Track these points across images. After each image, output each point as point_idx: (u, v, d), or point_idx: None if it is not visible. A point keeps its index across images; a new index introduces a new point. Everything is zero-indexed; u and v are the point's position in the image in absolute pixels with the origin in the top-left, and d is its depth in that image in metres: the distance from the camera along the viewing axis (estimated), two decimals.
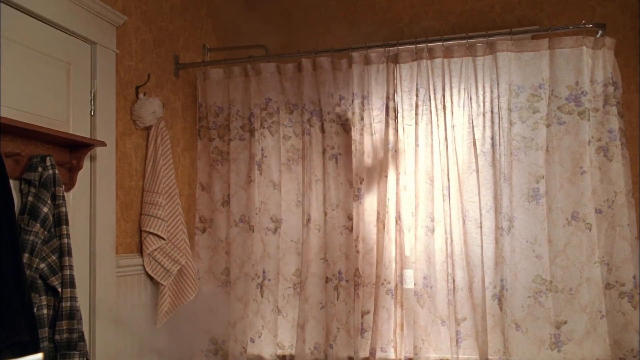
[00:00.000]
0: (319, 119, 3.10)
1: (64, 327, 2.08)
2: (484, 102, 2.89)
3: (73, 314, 2.10)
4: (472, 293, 2.83)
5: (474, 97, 2.90)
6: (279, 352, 3.10)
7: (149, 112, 2.83)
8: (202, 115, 3.31)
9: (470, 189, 2.88)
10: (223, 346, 3.13)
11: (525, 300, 2.77)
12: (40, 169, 2.08)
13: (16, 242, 1.86)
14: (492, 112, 2.87)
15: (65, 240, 2.11)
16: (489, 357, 2.77)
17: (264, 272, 3.12)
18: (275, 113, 3.18)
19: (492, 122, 2.87)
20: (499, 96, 2.86)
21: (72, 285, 2.11)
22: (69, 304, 2.10)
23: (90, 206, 2.51)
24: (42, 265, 2.04)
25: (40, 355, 1.01)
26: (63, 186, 2.17)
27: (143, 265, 2.81)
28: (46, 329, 2.03)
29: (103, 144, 2.46)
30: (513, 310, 2.76)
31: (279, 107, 3.18)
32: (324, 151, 3.08)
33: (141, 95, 2.85)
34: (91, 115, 2.54)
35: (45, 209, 2.05)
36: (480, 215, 2.84)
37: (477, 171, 2.86)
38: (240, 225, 3.14)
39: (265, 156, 3.17)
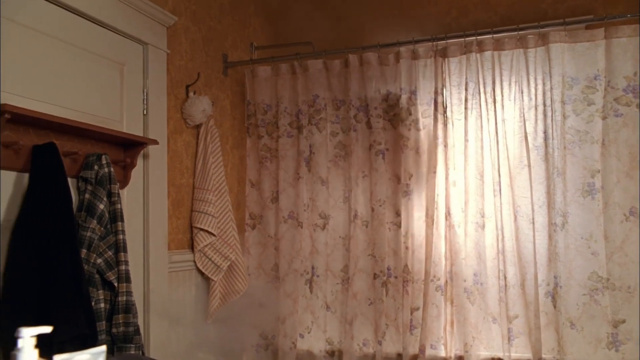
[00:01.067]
0: (365, 114, 3.09)
1: (121, 321, 2.14)
2: (535, 95, 2.82)
3: (129, 308, 2.16)
4: (525, 290, 2.77)
5: (525, 90, 2.84)
6: (328, 347, 3.11)
7: (199, 110, 2.88)
8: (250, 112, 3.34)
9: (522, 184, 2.81)
10: (273, 341, 3.17)
11: (581, 298, 2.70)
12: (96, 167, 2.14)
13: (75, 238, 1.93)
14: (544, 105, 2.80)
15: (121, 237, 2.17)
16: (543, 355, 2.71)
17: (312, 268, 3.13)
18: (323, 110, 3.18)
19: (545, 115, 2.79)
20: (551, 88, 2.78)
21: (128, 280, 2.17)
22: (125, 298, 2.15)
23: (143, 203, 2.57)
24: (99, 261, 2.10)
25: (104, 347, 1.04)
26: (118, 184, 2.23)
27: (194, 261, 2.86)
28: (104, 322, 2.09)
29: (156, 142, 2.52)
30: (567, 308, 2.69)
31: (327, 103, 3.18)
32: (370, 147, 3.07)
33: (191, 94, 2.91)
34: (144, 115, 2.61)
35: (102, 206, 2.11)
36: (533, 210, 2.78)
37: (529, 166, 2.80)
38: (289, 221, 3.17)
39: (313, 153, 3.18)
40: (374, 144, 3.06)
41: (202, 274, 2.90)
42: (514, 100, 2.86)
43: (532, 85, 2.83)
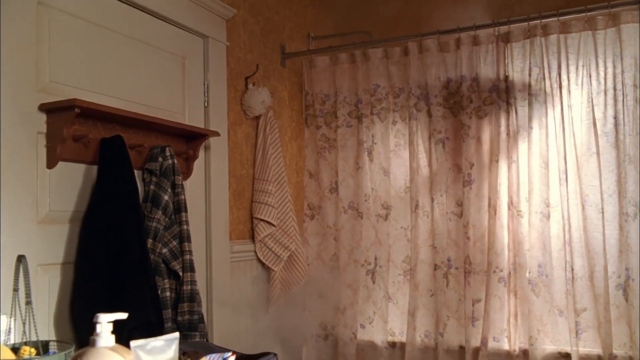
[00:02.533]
0: (425, 103, 3.04)
1: (185, 309, 2.19)
2: (605, 79, 2.70)
3: (193, 297, 2.20)
4: (593, 282, 2.67)
5: (593, 74, 2.72)
6: (390, 339, 3.09)
7: (258, 101, 2.90)
8: (308, 103, 3.35)
9: (590, 172, 2.71)
10: (333, 331, 3.17)
11: None
12: (160, 159, 2.19)
13: (141, 228, 1.98)
14: (614, 89, 2.68)
15: (185, 227, 2.21)
16: (614, 350, 2.61)
17: (375, 258, 3.12)
18: (384, 99, 3.15)
19: (615, 100, 2.67)
20: (622, 72, 2.66)
21: (192, 269, 2.21)
22: (189, 287, 2.20)
23: (205, 194, 2.62)
24: (165, 250, 2.15)
25: (177, 334, 1.06)
26: (181, 175, 2.28)
27: (255, 251, 2.89)
28: (169, 310, 2.14)
29: (217, 134, 2.55)
30: None
31: (387, 92, 3.14)
32: (430, 136, 3.01)
33: (250, 86, 2.93)
34: (205, 107, 2.65)
35: (166, 197, 2.16)
36: (602, 200, 2.67)
37: (598, 153, 2.69)
38: (349, 212, 3.16)
39: (375, 143, 3.15)
40: (434, 133, 3.00)
41: (262, 264, 2.94)
42: (582, 85, 2.75)
43: (602, 68, 2.71)
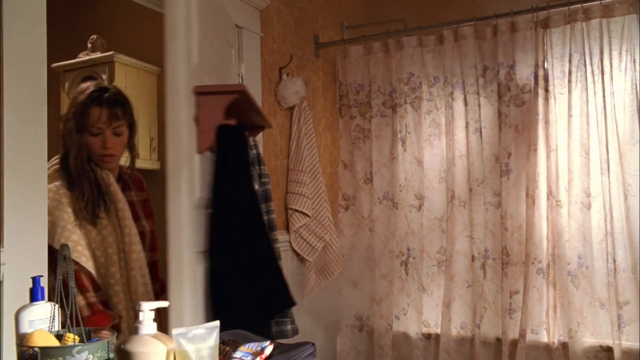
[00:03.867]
0: (461, 91, 2.99)
1: None
2: None
3: None
4: (637, 275, 2.60)
5: (638, 59, 2.64)
6: (425, 330, 3.07)
7: (292, 92, 2.89)
8: (342, 93, 3.33)
9: (633, 161, 2.63)
10: (368, 322, 3.17)
11: None
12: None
13: (260, 215, 1.99)
14: None
15: (273, 216, 2.27)
16: None
17: (408, 249, 3.09)
18: (418, 88, 3.11)
19: None
20: None
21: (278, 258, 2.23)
22: None
23: None
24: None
25: (217, 322, 1.08)
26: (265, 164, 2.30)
27: (290, 242, 2.90)
28: None
29: (271, 126, 2.49)
30: None
31: (421, 81, 3.10)
32: (467, 125, 2.97)
33: (284, 76, 2.93)
34: None
35: (257, 186, 2.18)
36: None
37: None
38: (383, 202, 3.14)
39: (409, 132, 3.12)
40: (470, 122, 2.96)
41: (297, 254, 2.94)
42: (625, 70, 2.67)
43: None
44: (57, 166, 1.67)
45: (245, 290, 1.76)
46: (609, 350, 2.63)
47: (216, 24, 2.15)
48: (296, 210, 2.87)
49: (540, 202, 2.78)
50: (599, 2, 2.68)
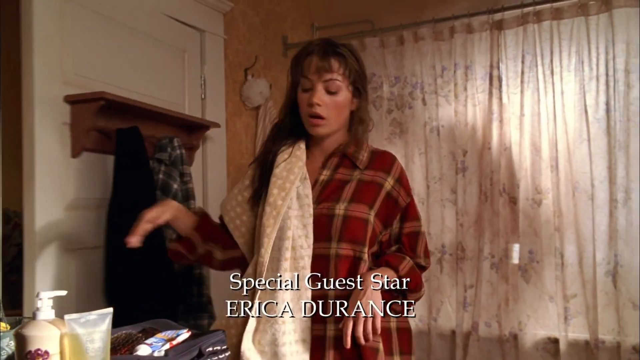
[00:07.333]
0: (420, 91, 3.07)
1: (195, 292, 2.34)
2: (597, 65, 2.68)
3: (202, 280, 2.35)
4: (583, 269, 2.67)
5: (586, 59, 2.70)
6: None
7: (256, 92, 3.01)
8: None
9: (581, 158, 2.70)
10: None
11: None
12: (169, 149, 2.27)
13: None
14: (606, 75, 2.66)
15: None
16: (601, 336, 2.61)
17: None
18: (379, 88, 3.19)
19: (607, 86, 2.65)
20: (614, 57, 2.63)
21: None
22: (198, 271, 2.35)
23: (202, 183, 2.74)
24: (174, 236, 2.28)
25: (110, 309, 1.20)
26: (189, 164, 2.39)
27: None
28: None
29: (217, 125, 2.65)
30: (629, 288, 2.57)
31: (383, 81, 3.19)
32: (425, 124, 3.05)
33: (249, 77, 3.04)
34: (202, 99, 2.76)
35: (175, 186, 2.27)
36: (592, 186, 2.66)
37: (589, 140, 2.68)
38: None
39: (370, 131, 3.19)
40: (428, 121, 3.04)
41: None
42: (574, 71, 2.73)
43: (594, 54, 2.69)
44: None
45: (135, 285, 1.88)
46: (556, 341, 2.72)
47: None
48: None
49: (494, 199, 2.86)
50: (550, 5, 2.75)
